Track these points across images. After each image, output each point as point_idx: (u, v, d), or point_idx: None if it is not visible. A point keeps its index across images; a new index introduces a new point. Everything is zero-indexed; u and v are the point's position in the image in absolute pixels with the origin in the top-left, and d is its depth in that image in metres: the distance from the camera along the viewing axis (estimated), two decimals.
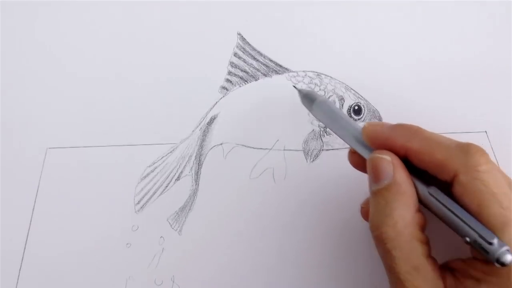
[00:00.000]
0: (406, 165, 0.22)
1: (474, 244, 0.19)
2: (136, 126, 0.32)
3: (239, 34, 0.35)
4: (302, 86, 0.32)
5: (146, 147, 0.31)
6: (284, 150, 0.30)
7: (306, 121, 0.31)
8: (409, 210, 0.21)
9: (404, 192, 0.21)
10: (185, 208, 0.29)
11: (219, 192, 0.29)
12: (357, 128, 0.24)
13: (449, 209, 0.20)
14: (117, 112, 0.33)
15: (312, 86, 0.32)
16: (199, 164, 0.30)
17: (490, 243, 0.18)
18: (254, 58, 0.34)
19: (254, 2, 0.36)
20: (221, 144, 0.31)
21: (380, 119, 0.30)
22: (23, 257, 0.28)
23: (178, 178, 0.30)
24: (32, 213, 0.29)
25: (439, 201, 0.20)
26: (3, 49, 0.36)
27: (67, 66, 0.35)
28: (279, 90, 0.32)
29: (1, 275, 0.27)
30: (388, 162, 0.21)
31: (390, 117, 0.30)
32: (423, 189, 0.21)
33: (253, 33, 0.35)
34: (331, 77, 0.32)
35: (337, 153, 0.30)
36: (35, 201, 0.30)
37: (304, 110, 0.31)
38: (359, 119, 0.31)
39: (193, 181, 0.30)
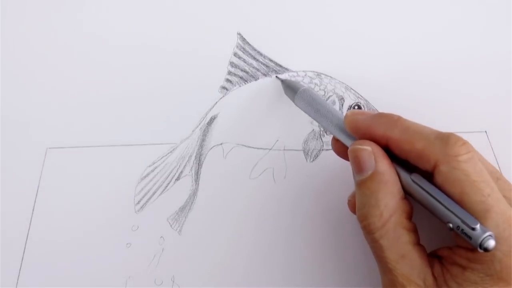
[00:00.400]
0: (388, 154, 0.22)
1: (457, 230, 0.19)
2: (136, 126, 0.32)
3: (239, 34, 0.35)
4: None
5: (146, 147, 0.31)
6: (284, 150, 0.30)
7: (306, 121, 0.31)
8: (394, 198, 0.21)
9: (388, 180, 0.21)
10: (185, 208, 0.29)
11: (219, 192, 0.29)
12: (340, 117, 0.24)
13: (431, 196, 0.20)
14: (117, 112, 0.33)
15: (312, 86, 0.32)
16: (199, 164, 0.30)
17: (473, 229, 0.18)
18: (254, 58, 0.34)
19: (254, 2, 0.36)
20: (221, 144, 0.31)
21: None
22: (23, 257, 0.28)
23: (178, 178, 0.30)
24: (32, 213, 0.29)
25: (421, 187, 0.20)
26: (3, 49, 0.36)
27: (67, 66, 0.35)
28: (279, 90, 0.32)
29: (1, 275, 0.27)
30: (369, 153, 0.21)
31: None
32: (406, 176, 0.21)
33: (253, 33, 0.35)
34: (331, 77, 0.32)
35: None
36: (35, 201, 0.30)
37: None
38: None
39: (193, 181, 0.30)
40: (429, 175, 0.21)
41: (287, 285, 0.26)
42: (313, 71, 0.33)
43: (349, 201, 0.26)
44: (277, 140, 0.31)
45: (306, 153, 0.30)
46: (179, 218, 0.29)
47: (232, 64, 0.33)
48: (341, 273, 0.26)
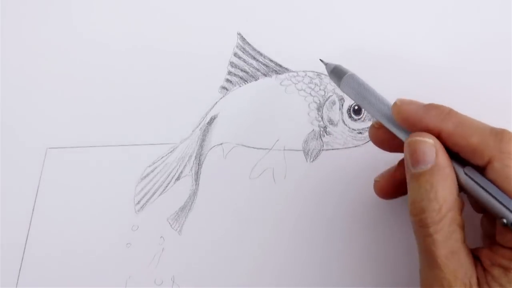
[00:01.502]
0: None
1: (511, 226, 0.19)
2: (136, 126, 0.32)
3: (239, 34, 0.35)
4: (302, 86, 0.32)
5: (146, 147, 0.31)
6: (284, 150, 0.30)
7: (306, 121, 0.31)
8: (453, 194, 0.20)
9: (448, 175, 0.21)
10: (185, 208, 0.29)
11: (219, 192, 0.29)
12: (388, 105, 0.23)
13: (485, 190, 0.20)
14: (117, 112, 0.33)
15: (312, 86, 0.32)
16: (199, 164, 0.30)
17: None
18: (254, 58, 0.34)
19: (254, 2, 0.36)
20: (221, 144, 0.31)
21: None
22: (23, 257, 0.28)
23: (178, 178, 0.30)
24: (32, 213, 0.29)
25: (475, 181, 0.20)
26: (3, 49, 0.36)
27: (67, 66, 0.35)
28: (279, 90, 0.32)
29: (1, 275, 0.27)
30: (431, 145, 0.21)
31: None
32: (459, 169, 0.21)
33: (253, 33, 0.35)
34: None
35: (337, 153, 0.30)
36: (35, 201, 0.30)
37: (304, 110, 0.31)
38: (359, 119, 0.31)
39: (193, 181, 0.30)
40: (479, 170, 0.20)
41: (287, 285, 0.26)
42: (313, 71, 0.33)
43: (376, 182, 0.25)
44: (277, 140, 0.31)
45: (306, 153, 0.30)
46: (179, 218, 0.29)
47: (232, 64, 0.33)
48: (341, 273, 0.26)
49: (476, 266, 0.20)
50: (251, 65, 0.33)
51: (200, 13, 0.36)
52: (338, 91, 0.32)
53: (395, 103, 0.23)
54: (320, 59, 0.29)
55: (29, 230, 0.29)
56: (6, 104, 0.33)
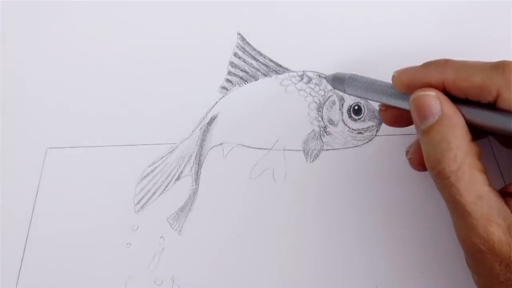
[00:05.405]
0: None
1: None
2: (136, 126, 0.32)
3: (239, 34, 0.35)
4: (302, 86, 0.32)
5: (146, 147, 0.31)
6: (284, 150, 0.30)
7: (306, 121, 0.31)
8: (465, 140, 0.21)
9: (456, 123, 0.21)
10: (185, 208, 0.29)
11: (219, 192, 0.29)
12: (390, 84, 0.24)
13: (503, 115, 0.20)
14: (117, 112, 0.33)
15: (312, 86, 0.32)
16: (199, 164, 0.30)
17: None
18: (254, 58, 0.34)
19: (254, 2, 0.36)
20: (221, 144, 0.31)
21: (380, 118, 0.30)
22: (23, 257, 0.28)
23: (178, 178, 0.30)
24: (32, 213, 0.29)
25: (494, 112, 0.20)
26: (3, 49, 0.36)
27: (67, 66, 0.35)
28: (279, 90, 0.32)
29: (1, 275, 0.27)
30: (434, 97, 0.21)
31: None
32: (470, 112, 0.21)
33: (253, 33, 0.35)
34: None
35: (337, 153, 0.30)
36: (35, 201, 0.30)
37: (304, 110, 0.31)
38: (359, 119, 0.31)
39: (193, 181, 0.30)
40: (492, 107, 0.21)
41: (287, 285, 0.26)
42: (313, 71, 0.33)
43: (410, 159, 0.26)
44: (277, 140, 0.31)
45: (306, 153, 0.30)
46: (179, 218, 0.29)
47: (232, 64, 0.33)
48: (342, 273, 0.26)
49: (509, 204, 0.20)
50: (251, 65, 0.33)
51: (200, 13, 0.36)
52: (338, 91, 0.32)
53: (393, 75, 0.23)
54: (319, 75, 0.31)
55: (29, 230, 0.29)
56: (6, 104, 0.33)
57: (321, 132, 0.31)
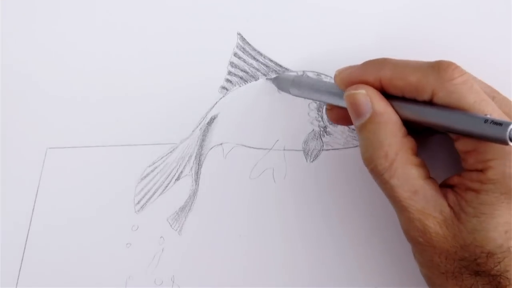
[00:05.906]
0: (385, 96, 0.22)
1: (488, 123, 0.18)
2: (136, 126, 0.32)
3: (239, 34, 0.35)
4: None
5: (146, 147, 0.31)
6: (284, 150, 0.30)
7: (306, 121, 0.31)
8: (396, 136, 0.21)
9: (387, 120, 0.21)
10: (185, 208, 0.29)
11: (219, 192, 0.29)
12: (333, 83, 0.24)
13: (456, 109, 0.20)
14: (117, 112, 0.33)
15: None
16: (199, 164, 0.30)
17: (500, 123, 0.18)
18: (254, 58, 0.34)
19: (254, 2, 0.36)
20: (221, 144, 0.31)
21: None
22: (23, 257, 0.28)
23: (178, 178, 0.30)
24: (32, 213, 0.29)
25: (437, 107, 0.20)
26: (3, 49, 0.36)
27: (67, 66, 0.35)
28: (279, 90, 0.32)
29: (1, 275, 0.27)
30: (364, 95, 0.22)
31: None
32: (407, 108, 0.21)
33: (253, 33, 0.35)
34: (331, 77, 0.32)
35: (337, 153, 0.30)
36: (35, 201, 0.30)
37: (304, 110, 0.31)
38: None
39: (193, 181, 0.30)
40: (429, 105, 0.21)
41: (287, 285, 0.26)
42: (313, 71, 0.33)
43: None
44: (277, 140, 0.31)
45: (306, 153, 0.30)
46: (179, 218, 0.29)
47: (232, 64, 0.33)
48: (342, 273, 0.26)
49: (447, 196, 0.20)
50: (251, 65, 0.33)
51: (200, 13, 0.36)
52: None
53: (335, 74, 0.24)
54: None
55: (29, 230, 0.29)
56: (6, 104, 0.33)
57: (321, 132, 0.31)
